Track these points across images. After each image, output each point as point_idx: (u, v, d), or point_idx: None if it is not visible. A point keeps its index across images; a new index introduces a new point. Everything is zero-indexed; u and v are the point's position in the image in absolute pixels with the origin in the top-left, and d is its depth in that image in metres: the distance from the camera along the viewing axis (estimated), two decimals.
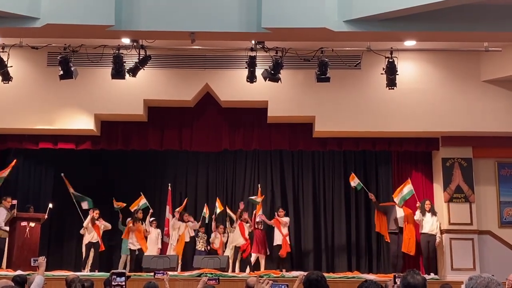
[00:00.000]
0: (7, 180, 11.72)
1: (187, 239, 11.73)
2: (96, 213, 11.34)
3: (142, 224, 11.65)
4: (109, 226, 11.60)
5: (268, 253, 11.80)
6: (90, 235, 11.25)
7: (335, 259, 12.66)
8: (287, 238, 11.70)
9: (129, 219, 11.65)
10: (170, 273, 9.43)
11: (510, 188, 11.46)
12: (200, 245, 11.90)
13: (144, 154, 12.52)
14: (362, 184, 11.77)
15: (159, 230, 11.91)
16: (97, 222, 11.33)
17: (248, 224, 11.79)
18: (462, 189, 11.19)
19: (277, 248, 11.68)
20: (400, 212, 11.32)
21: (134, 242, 11.51)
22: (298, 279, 5.69)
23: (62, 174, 11.82)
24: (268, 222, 11.82)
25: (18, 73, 10.25)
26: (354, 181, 11.73)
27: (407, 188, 11.33)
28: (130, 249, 11.51)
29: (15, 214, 10.66)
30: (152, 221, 11.83)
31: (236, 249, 11.76)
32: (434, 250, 11.07)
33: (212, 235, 11.92)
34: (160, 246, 11.80)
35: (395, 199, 11.43)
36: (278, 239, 11.69)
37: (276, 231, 11.75)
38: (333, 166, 13.10)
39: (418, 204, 11.13)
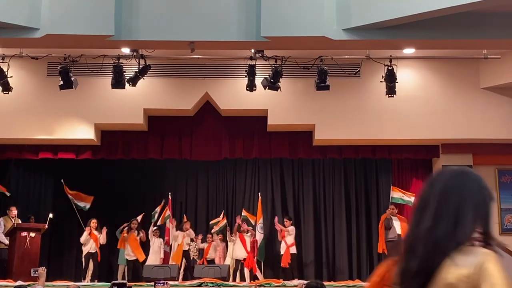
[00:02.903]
0: (8, 190, 11.70)
1: (186, 248, 11.73)
2: (94, 223, 11.29)
3: (137, 234, 11.56)
4: (103, 241, 11.48)
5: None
6: (89, 246, 11.21)
7: (336, 267, 12.63)
8: (291, 248, 11.64)
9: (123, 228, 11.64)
10: (171, 282, 9.44)
11: (511, 195, 11.44)
12: (191, 254, 11.87)
13: (144, 163, 12.52)
14: (403, 199, 11.65)
15: (161, 240, 11.84)
16: (95, 232, 11.27)
17: (249, 234, 11.73)
18: None
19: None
20: (396, 220, 11.35)
21: (130, 252, 11.46)
22: None
23: (62, 180, 11.85)
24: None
25: (18, 83, 10.27)
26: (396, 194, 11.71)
27: (410, 198, 11.39)
28: (127, 259, 11.48)
29: (15, 224, 10.64)
30: (154, 230, 11.79)
31: (237, 261, 11.68)
32: None
33: (204, 245, 11.92)
34: (162, 256, 11.75)
35: (393, 193, 11.54)
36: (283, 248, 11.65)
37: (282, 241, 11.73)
38: (333, 174, 13.10)
39: None
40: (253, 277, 11.40)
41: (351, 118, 10.91)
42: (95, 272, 11.26)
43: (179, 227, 11.95)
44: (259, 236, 11.97)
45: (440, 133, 10.95)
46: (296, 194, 13.15)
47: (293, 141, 11.64)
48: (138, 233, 11.52)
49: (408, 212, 11.66)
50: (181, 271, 11.41)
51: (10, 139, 11.00)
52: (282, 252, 11.62)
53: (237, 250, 11.65)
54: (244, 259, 11.58)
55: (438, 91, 11.04)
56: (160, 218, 11.88)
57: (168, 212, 11.99)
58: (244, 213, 12.15)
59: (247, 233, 11.72)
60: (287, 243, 11.58)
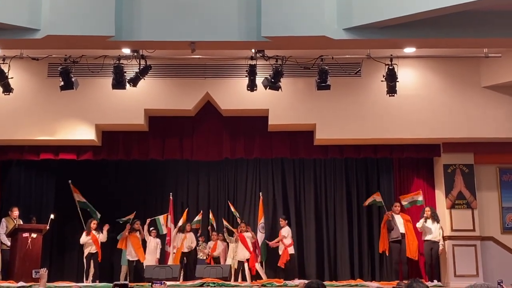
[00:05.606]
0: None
1: (185, 250, 11.82)
2: (94, 224, 11.29)
3: (138, 234, 11.62)
4: (104, 239, 11.49)
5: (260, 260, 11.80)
6: (89, 247, 11.22)
7: (337, 267, 12.64)
8: (289, 248, 11.64)
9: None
10: (172, 282, 9.45)
11: None
12: (201, 254, 11.90)
13: (145, 164, 12.54)
14: (383, 203, 11.82)
15: (158, 240, 11.88)
16: (94, 232, 11.28)
17: (248, 233, 11.72)
18: (464, 196, 11.18)
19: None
20: (399, 219, 11.34)
21: (132, 252, 11.50)
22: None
23: (70, 181, 11.84)
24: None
25: (19, 84, 10.26)
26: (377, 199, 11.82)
27: (418, 197, 11.41)
28: (128, 260, 11.51)
29: (17, 225, 10.65)
30: (151, 230, 11.81)
31: (240, 262, 11.67)
32: (437, 257, 11.03)
33: (209, 243, 11.99)
34: (158, 256, 11.77)
35: (402, 201, 11.48)
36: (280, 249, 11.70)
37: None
38: (335, 174, 13.12)
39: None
40: (254, 277, 11.41)
41: (352, 117, 10.90)
42: (96, 272, 11.27)
43: (180, 229, 11.98)
44: (260, 236, 11.99)
45: (441, 132, 10.94)
46: (297, 194, 13.15)
47: (294, 141, 11.62)
48: (139, 233, 11.59)
49: (411, 210, 11.66)
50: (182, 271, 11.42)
51: (11, 140, 11.01)
52: (280, 252, 11.63)
53: (240, 251, 11.65)
54: (247, 260, 11.59)
55: (439, 90, 11.03)
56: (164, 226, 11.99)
57: (169, 216, 12.01)
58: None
59: (246, 232, 11.70)
60: (285, 243, 11.57)
